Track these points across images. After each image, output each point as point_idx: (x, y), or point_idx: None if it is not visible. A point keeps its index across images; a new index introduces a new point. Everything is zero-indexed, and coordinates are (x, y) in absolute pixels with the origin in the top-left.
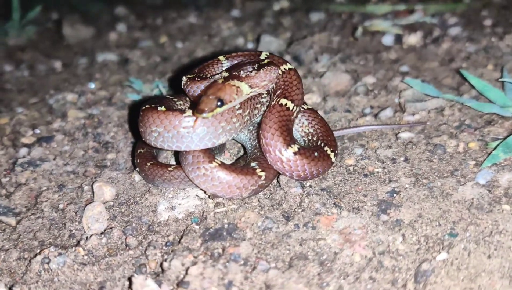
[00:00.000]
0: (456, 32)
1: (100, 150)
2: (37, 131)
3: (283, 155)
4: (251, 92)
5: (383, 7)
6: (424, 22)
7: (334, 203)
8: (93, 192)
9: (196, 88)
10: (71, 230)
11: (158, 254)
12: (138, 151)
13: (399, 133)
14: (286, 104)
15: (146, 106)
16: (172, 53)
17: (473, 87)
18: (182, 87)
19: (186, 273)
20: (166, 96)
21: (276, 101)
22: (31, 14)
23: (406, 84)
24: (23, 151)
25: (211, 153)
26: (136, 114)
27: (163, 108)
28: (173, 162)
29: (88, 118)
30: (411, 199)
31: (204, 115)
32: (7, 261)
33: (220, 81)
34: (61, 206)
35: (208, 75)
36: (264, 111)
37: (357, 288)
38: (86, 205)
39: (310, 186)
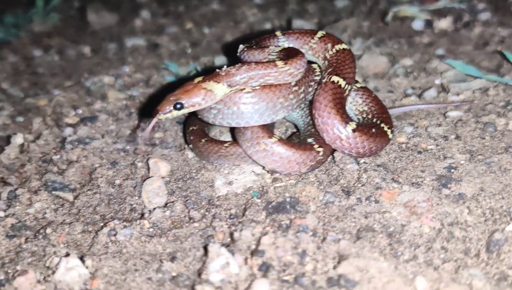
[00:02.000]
0: (486, 17)
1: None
2: (79, 111)
3: (342, 133)
4: (231, 90)
5: None
6: (453, 8)
7: (392, 179)
8: (147, 169)
9: (251, 56)
10: (131, 204)
11: (225, 226)
12: (190, 129)
13: (446, 112)
14: (338, 82)
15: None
16: (201, 38)
17: None
18: (238, 54)
19: (259, 243)
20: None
21: (328, 78)
22: (54, 1)
23: (447, 65)
24: (68, 130)
25: (269, 128)
26: None
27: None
28: (223, 139)
29: (129, 99)
30: (470, 174)
31: (159, 116)
32: (72, 234)
33: (195, 81)
34: (117, 181)
35: (264, 46)
36: (315, 89)
37: (430, 257)
38: (142, 180)
39: (365, 162)
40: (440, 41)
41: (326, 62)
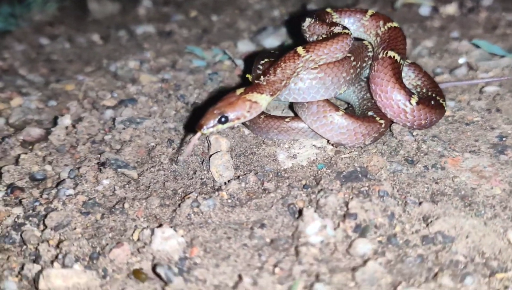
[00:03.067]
0: (488, 3)
1: (190, 110)
2: (115, 94)
3: (407, 107)
4: (273, 98)
5: None
6: None
7: (450, 148)
8: (207, 145)
9: (317, 29)
10: (201, 179)
11: (303, 195)
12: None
13: (483, 87)
14: (394, 56)
15: (265, 60)
16: (210, 26)
17: None
18: (305, 27)
19: (347, 207)
20: (272, 52)
21: (384, 54)
22: None
23: (470, 45)
24: (109, 112)
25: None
26: (212, 78)
27: None
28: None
29: (163, 82)
30: None
31: (203, 131)
32: (150, 208)
33: (238, 92)
34: (180, 158)
35: (327, 21)
36: (371, 65)
37: (508, 215)
38: (205, 156)
39: (418, 134)
40: (450, 25)
41: (379, 39)
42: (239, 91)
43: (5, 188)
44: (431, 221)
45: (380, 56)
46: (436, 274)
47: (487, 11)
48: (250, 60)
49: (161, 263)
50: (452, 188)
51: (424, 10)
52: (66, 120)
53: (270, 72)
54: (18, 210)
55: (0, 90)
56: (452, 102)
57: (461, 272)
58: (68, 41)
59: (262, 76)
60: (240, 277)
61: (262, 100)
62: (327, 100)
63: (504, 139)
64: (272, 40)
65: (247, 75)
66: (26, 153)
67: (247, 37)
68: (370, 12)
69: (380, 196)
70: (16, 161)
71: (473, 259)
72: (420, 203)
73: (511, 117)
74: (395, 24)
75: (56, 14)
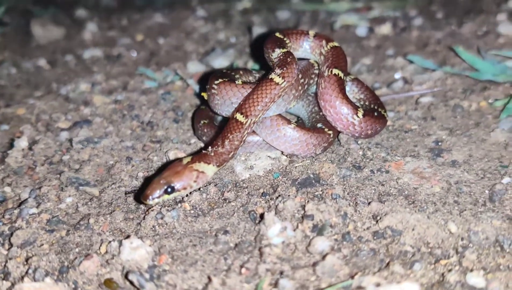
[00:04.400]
0: (419, 23)
1: (146, 128)
2: (69, 117)
3: (355, 120)
4: (220, 168)
5: (342, 4)
6: (387, 16)
7: (392, 153)
8: (165, 161)
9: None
10: None
11: (262, 201)
12: (202, 122)
13: (418, 99)
14: (338, 74)
15: (219, 80)
16: (158, 48)
17: (463, 61)
18: (272, 58)
19: (304, 210)
20: (224, 70)
21: (329, 72)
22: None
23: (405, 61)
24: (64, 134)
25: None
26: (164, 98)
27: (239, 81)
28: None
29: (116, 103)
30: (456, 145)
31: (148, 202)
32: (114, 223)
33: (184, 161)
34: (140, 174)
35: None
36: (317, 82)
37: (449, 209)
38: None
39: (362, 143)
40: (385, 44)
41: (323, 57)
42: (186, 160)
43: None
44: (380, 218)
45: (326, 74)
46: (388, 264)
47: (418, 30)
48: (203, 80)
49: (133, 270)
50: (397, 189)
51: (361, 31)
52: (23, 142)
53: (219, 143)
54: None
55: None
56: (392, 112)
57: (410, 260)
58: (14, 66)
59: (209, 147)
60: (209, 278)
61: (209, 170)
62: (279, 115)
63: (440, 143)
64: (221, 61)
65: (202, 94)
66: None
67: (195, 58)
68: (312, 33)
69: (333, 198)
70: None
71: (420, 249)
72: (369, 203)
73: (445, 124)
74: (336, 44)
75: None
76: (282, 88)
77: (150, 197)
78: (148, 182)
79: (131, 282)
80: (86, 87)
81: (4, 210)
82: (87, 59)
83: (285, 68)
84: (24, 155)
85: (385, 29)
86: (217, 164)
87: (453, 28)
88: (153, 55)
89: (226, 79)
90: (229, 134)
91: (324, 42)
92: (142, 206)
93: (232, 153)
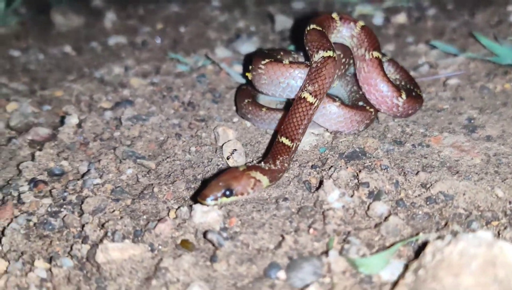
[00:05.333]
0: (433, 13)
1: (187, 108)
2: (109, 98)
3: (399, 101)
4: (270, 185)
5: None
6: (401, 6)
7: (430, 129)
8: (214, 137)
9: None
10: (218, 165)
11: (313, 172)
12: (246, 101)
13: (445, 81)
14: (379, 56)
15: (266, 60)
16: (181, 36)
17: (483, 47)
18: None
19: (358, 178)
20: (266, 51)
21: (370, 55)
22: (15, 4)
23: (428, 46)
24: (109, 113)
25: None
26: (200, 80)
27: (287, 61)
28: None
29: (153, 85)
30: (488, 122)
31: (206, 202)
32: (177, 192)
33: (241, 168)
34: (193, 149)
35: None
36: (358, 66)
37: (491, 178)
38: (216, 147)
39: (399, 120)
40: (404, 32)
41: (355, 39)
42: (242, 167)
43: (27, 183)
44: (431, 185)
45: (368, 57)
46: (446, 224)
47: (433, 19)
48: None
49: (211, 230)
50: (439, 161)
51: (378, 20)
52: (73, 119)
53: (270, 161)
54: (47, 201)
55: None
56: (424, 94)
57: (466, 221)
58: (41, 52)
59: (262, 163)
60: (282, 236)
61: (264, 181)
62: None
63: (472, 121)
64: (247, 47)
65: (247, 74)
66: (40, 150)
67: (221, 45)
68: (335, 15)
69: (382, 169)
70: (32, 158)
71: (471, 212)
72: (417, 173)
73: (474, 104)
74: (363, 23)
75: (18, 29)
76: (316, 106)
77: (208, 198)
78: (205, 184)
79: (210, 241)
80: (120, 70)
81: (66, 182)
82: (112, 45)
83: (317, 86)
84: (75, 132)
85: (401, 18)
86: (270, 179)
87: (466, 18)
88: (177, 42)
89: (273, 59)
90: (279, 156)
91: (352, 24)
92: (199, 177)
93: (282, 173)
